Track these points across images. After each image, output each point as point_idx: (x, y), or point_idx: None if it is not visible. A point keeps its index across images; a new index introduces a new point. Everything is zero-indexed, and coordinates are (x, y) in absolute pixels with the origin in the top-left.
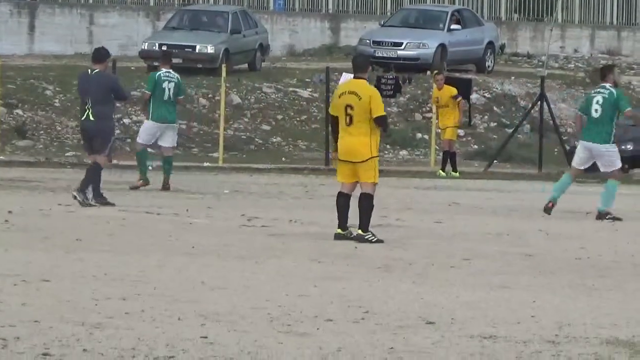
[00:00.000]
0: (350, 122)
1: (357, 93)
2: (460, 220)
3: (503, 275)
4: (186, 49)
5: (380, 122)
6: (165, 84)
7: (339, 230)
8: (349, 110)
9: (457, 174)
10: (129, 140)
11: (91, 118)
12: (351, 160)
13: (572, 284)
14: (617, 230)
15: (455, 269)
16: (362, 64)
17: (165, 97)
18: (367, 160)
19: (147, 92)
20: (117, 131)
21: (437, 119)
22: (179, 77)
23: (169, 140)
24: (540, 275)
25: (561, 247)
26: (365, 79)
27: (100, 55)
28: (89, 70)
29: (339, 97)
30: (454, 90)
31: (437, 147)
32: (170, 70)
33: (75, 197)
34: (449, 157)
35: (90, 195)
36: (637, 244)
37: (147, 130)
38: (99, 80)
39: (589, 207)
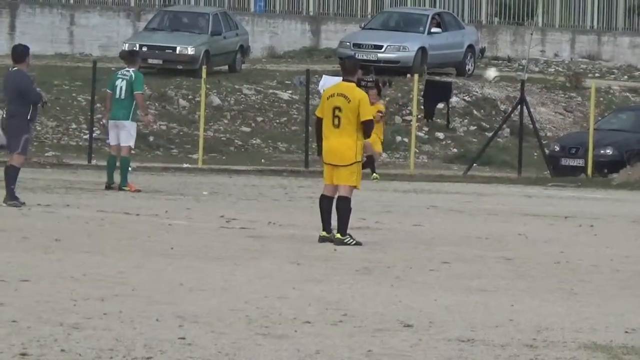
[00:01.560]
0: (338, 124)
1: (347, 96)
2: (439, 223)
3: (482, 279)
4: (166, 50)
5: (366, 126)
6: (118, 82)
7: (324, 233)
8: (337, 112)
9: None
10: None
11: (4, 116)
12: (335, 164)
13: (551, 288)
14: (596, 235)
15: (434, 272)
16: (351, 67)
17: (117, 95)
18: (351, 164)
19: (108, 91)
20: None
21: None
22: (133, 75)
23: (121, 139)
24: (519, 279)
25: (540, 251)
26: (354, 82)
27: (18, 54)
28: (10, 68)
29: (328, 99)
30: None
31: (417, 150)
32: (130, 69)
33: (9, 206)
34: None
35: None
36: (616, 248)
37: (109, 129)
38: (14, 79)
39: (568, 211)
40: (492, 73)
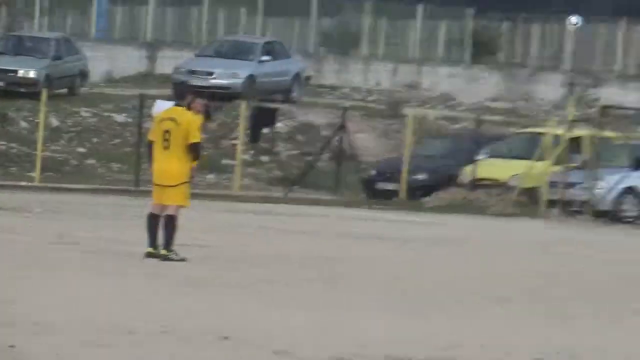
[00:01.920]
0: (167, 147)
1: (176, 119)
2: (261, 243)
3: (300, 296)
4: (9, 73)
5: (192, 148)
6: None
7: (150, 249)
8: (166, 136)
9: None
10: None
11: None
12: (164, 184)
13: (368, 305)
14: (418, 254)
15: (256, 288)
16: (181, 92)
17: None
18: (178, 185)
19: None
20: None
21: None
22: None
23: None
24: (338, 296)
25: (363, 270)
26: (184, 106)
27: None
28: None
29: (159, 123)
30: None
31: (242, 173)
32: None
33: None
34: None
35: None
36: (439, 268)
37: None
38: None
39: (382, 233)
40: (574, 20)
